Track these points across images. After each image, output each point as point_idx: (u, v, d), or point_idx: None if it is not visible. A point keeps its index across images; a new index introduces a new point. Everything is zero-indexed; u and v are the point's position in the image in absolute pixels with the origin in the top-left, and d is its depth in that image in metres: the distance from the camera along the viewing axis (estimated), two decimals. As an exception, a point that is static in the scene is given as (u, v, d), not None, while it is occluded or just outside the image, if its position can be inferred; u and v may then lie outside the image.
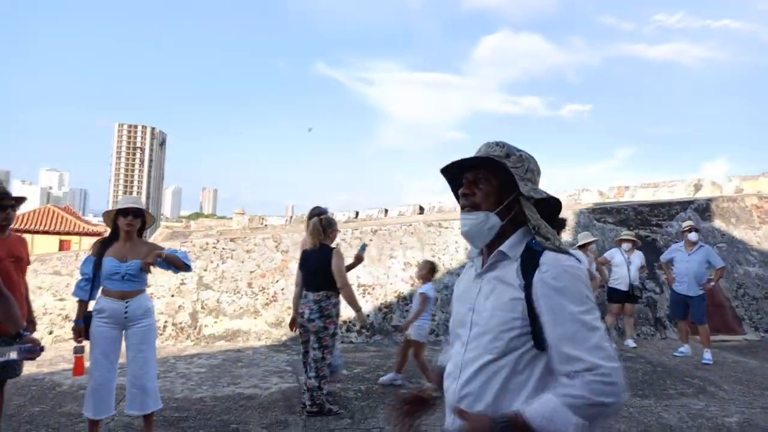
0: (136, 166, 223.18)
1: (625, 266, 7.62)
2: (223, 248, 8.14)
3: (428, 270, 5.35)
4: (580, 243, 7.19)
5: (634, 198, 12.10)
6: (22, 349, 2.40)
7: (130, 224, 3.65)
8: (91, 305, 3.68)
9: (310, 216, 4.79)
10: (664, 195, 11.93)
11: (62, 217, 35.18)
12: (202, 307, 7.73)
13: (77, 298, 3.69)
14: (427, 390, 1.66)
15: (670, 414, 4.67)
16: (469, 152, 1.52)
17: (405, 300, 8.11)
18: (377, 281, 8.18)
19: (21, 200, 3.57)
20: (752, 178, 12.66)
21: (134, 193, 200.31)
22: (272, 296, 7.95)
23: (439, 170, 1.58)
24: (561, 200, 1.54)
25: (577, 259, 1.37)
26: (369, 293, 8.09)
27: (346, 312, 4.78)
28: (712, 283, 7.11)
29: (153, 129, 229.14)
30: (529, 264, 1.36)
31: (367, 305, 7.98)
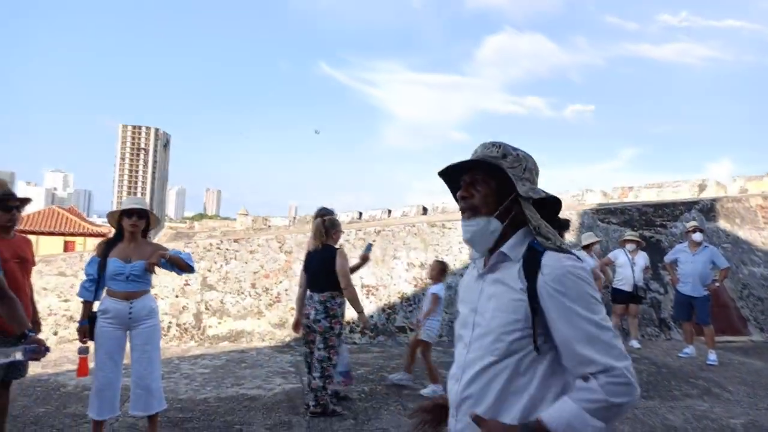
0: (140, 167, 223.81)
1: (629, 267, 7.60)
2: (227, 249, 8.16)
3: (439, 270, 5.32)
4: (584, 243, 7.19)
5: (638, 198, 12.06)
6: (27, 350, 2.41)
7: (134, 225, 3.66)
8: (96, 306, 3.69)
9: (316, 217, 4.80)
10: (668, 195, 11.89)
11: (66, 218, 35.32)
12: (206, 308, 7.74)
13: (82, 299, 3.70)
14: (442, 398, 1.65)
15: (674, 415, 4.65)
16: (472, 153, 1.52)
17: (408, 301, 8.11)
18: (381, 282, 8.18)
19: (26, 201, 3.57)
20: (757, 178, 12.61)
21: (138, 194, 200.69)
22: (276, 297, 7.96)
23: (437, 173, 1.58)
24: (562, 200, 1.53)
25: (578, 258, 1.37)
26: (372, 294, 8.09)
27: (349, 313, 4.78)
28: (717, 284, 7.08)
29: (157, 130, 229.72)
30: (530, 265, 1.35)
31: (371, 306, 7.98)
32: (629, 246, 7.73)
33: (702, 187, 12.33)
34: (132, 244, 3.68)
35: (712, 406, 4.94)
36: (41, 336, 3.03)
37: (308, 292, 4.61)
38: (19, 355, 2.42)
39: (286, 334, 7.65)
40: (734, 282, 9.10)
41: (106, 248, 3.70)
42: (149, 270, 3.65)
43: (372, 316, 7.91)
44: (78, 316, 3.83)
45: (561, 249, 1.37)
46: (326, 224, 4.59)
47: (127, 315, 3.58)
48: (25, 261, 3.53)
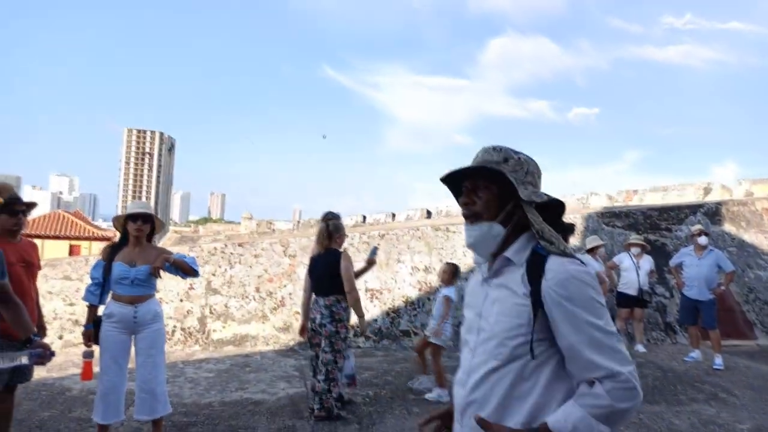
0: (145, 171, 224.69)
1: (634, 271, 7.57)
2: (231, 253, 8.17)
3: (450, 273, 5.28)
4: (589, 247, 7.17)
5: (643, 202, 12.02)
6: (32, 355, 2.42)
7: (139, 229, 3.68)
8: (101, 310, 3.70)
9: (322, 221, 4.80)
10: (673, 198, 11.84)
11: (72, 222, 35.47)
12: (211, 312, 7.75)
13: (87, 303, 3.72)
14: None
15: (680, 420, 4.62)
16: (473, 157, 1.52)
17: (413, 305, 8.10)
18: (385, 286, 8.18)
19: (32, 205, 3.59)
20: (762, 181, 12.54)
21: (143, 198, 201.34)
22: (280, 301, 7.96)
23: (439, 179, 1.58)
24: (566, 203, 1.53)
25: (582, 262, 1.36)
26: (377, 298, 8.09)
27: (354, 317, 4.78)
28: (723, 288, 7.04)
29: (162, 134, 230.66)
30: (534, 270, 1.35)
31: (375, 310, 7.97)
32: (634, 250, 7.70)
33: (707, 191, 12.27)
34: (137, 249, 3.70)
35: (719, 411, 4.91)
36: (46, 340, 3.04)
37: (313, 296, 4.61)
38: (24, 360, 2.44)
39: (291, 338, 7.65)
40: (740, 286, 9.05)
41: (111, 252, 3.72)
42: (154, 274, 3.66)
43: (376, 320, 7.91)
44: (83, 320, 3.85)
45: (565, 253, 1.36)
46: (330, 228, 4.59)
47: (132, 319, 3.59)
48: (31, 265, 3.54)
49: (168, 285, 7.47)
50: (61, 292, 7.55)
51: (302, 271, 7.24)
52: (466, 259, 8.52)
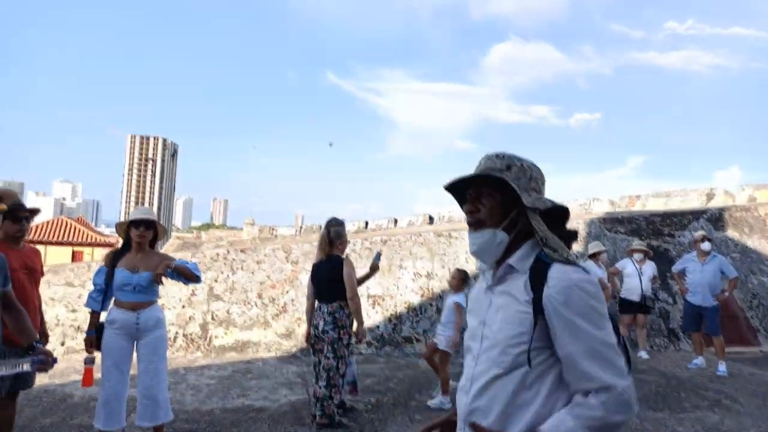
0: (148, 177, 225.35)
1: (636, 276, 7.56)
2: (234, 259, 8.18)
3: (460, 279, 5.22)
4: (590, 252, 7.15)
5: (646, 207, 12.00)
6: (34, 362, 2.42)
7: (141, 235, 3.69)
8: (104, 316, 3.71)
9: (325, 227, 4.81)
10: (676, 204, 11.83)
11: (75, 228, 35.54)
12: (213, 318, 7.75)
13: (89, 309, 3.72)
14: (456, 414, 1.63)
15: (684, 428, 4.60)
16: (476, 165, 1.52)
17: (415, 311, 8.08)
18: (387, 292, 8.17)
19: (35, 212, 3.60)
20: (765, 186, 12.52)
21: (146, 204, 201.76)
22: (282, 307, 7.96)
23: (443, 187, 1.58)
24: (569, 208, 1.52)
25: (585, 271, 1.35)
26: (379, 304, 8.08)
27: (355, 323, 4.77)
28: (726, 294, 7.01)
29: (165, 140, 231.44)
30: (537, 277, 1.34)
31: (377, 316, 7.96)
32: (637, 255, 7.69)
33: (710, 196, 12.26)
34: (139, 255, 3.71)
35: (723, 418, 4.88)
36: (48, 347, 3.04)
37: (316, 303, 4.61)
38: (26, 367, 2.43)
39: (293, 345, 7.64)
40: (743, 292, 9.02)
41: (113, 258, 3.73)
42: (156, 280, 3.67)
43: (378, 327, 7.89)
44: (85, 327, 3.85)
45: (569, 261, 1.36)
46: (331, 235, 4.60)
47: (134, 325, 3.59)
48: (34, 271, 3.55)
49: (170, 291, 7.48)
50: (64, 298, 7.56)
51: (305, 278, 7.23)
52: (468, 266, 8.50)
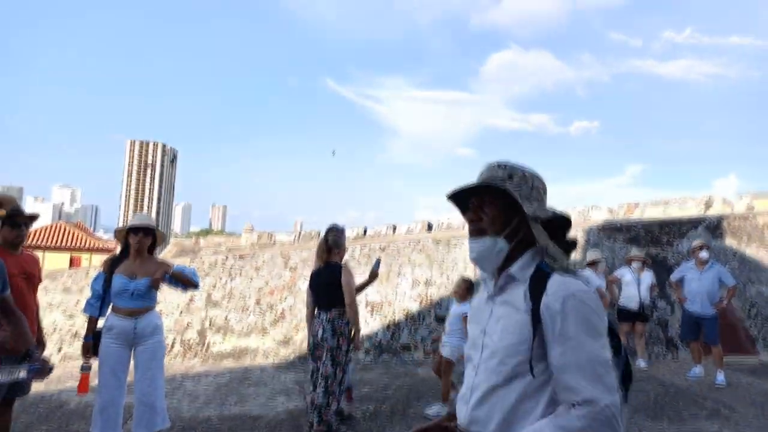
0: (147, 183, 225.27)
1: (635, 285, 7.55)
2: (232, 265, 8.16)
3: (465, 288, 5.14)
4: (589, 261, 7.15)
5: (644, 215, 12.03)
6: (31, 369, 2.41)
7: (140, 242, 3.69)
8: (101, 322, 3.70)
9: (325, 234, 4.80)
10: (674, 212, 11.85)
11: (73, 234, 35.46)
12: (211, 325, 7.73)
13: (87, 315, 3.71)
14: (448, 419, 1.62)
15: (683, 437, 4.58)
16: (478, 169, 1.53)
17: (413, 319, 8.07)
18: (385, 299, 8.15)
19: (34, 218, 3.60)
20: (764, 195, 12.55)
21: (145, 210, 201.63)
22: (280, 314, 7.94)
23: (446, 196, 1.58)
24: (570, 216, 1.52)
25: (585, 281, 1.35)
26: (377, 311, 8.06)
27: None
28: (725, 303, 7.01)
29: (164, 145, 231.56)
30: (536, 287, 1.34)
31: (375, 323, 7.94)
32: (635, 264, 7.68)
33: (708, 204, 12.28)
34: (137, 261, 3.70)
35: (721, 428, 4.86)
36: (45, 353, 3.03)
37: (316, 310, 4.60)
38: (22, 374, 2.43)
39: (290, 352, 7.62)
40: (742, 301, 9.01)
41: (112, 265, 3.72)
42: (154, 286, 3.66)
43: (376, 334, 7.87)
44: (83, 333, 3.84)
45: (569, 271, 1.36)
46: (329, 243, 4.59)
47: (131, 332, 3.58)
48: (32, 277, 3.54)
49: (168, 297, 7.46)
50: (61, 304, 7.54)
51: (303, 284, 7.22)
52: (466, 273, 8.51)
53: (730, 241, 9.92)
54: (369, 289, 7.07)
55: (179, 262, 6.49)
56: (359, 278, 5.11)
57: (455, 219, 13.27)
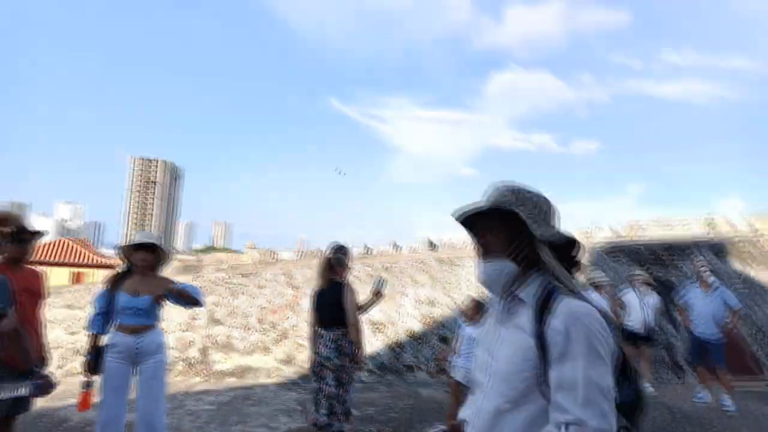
0: (149, 200, 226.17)
1: (640, 307, 7.50)
2: (235, 284, 8.15)
3: (475, 309, 5.01)
4: (594, 282, 7.12)
5: (648, 235, 12.00)
6: (33, 386, 2.40)
7: (144, 259, 3.69)
8: (104, 339, 3.68)
9: (328, 253, 4.79)
10: (677, 232, 11.82)
11: (76, 250, 35.54)
12: (213, 343, 7.69)
13: (90, 332, 3.70)
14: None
15: (691, 462, 4.51)
16: (481, 189, 1.54)
17: (417, 339, 8.01)
18: (389, 319, 8.11)
19: (39, 234, 3.61)
20: (767, 217, 12.53)
21: (147, 227, 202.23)
22: (283, 333, 7.90)
23: (454, 218, 1.58)
24: (576, 238, 1.52)
25: (593, 306, 1.34)
26: (380, 331, 8.02)
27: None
28: (731, 325, 6.95)
29: (167, 162, 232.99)
30: (543, 309, 1.34)
31: (378, 343, 7.89)
32: (639, 285, 7.64)
33: (712, 225, 12.26)
34: (141, 278, 3.70)
35: (730, 453, 4.79)
36: (47, 370, 3.01)
37: (319, 330, 4.57)
38: (24, 391, 2.42)
39: (293, 371, 7.56)
40: (748, 325, 8.94)
41: (115, 281, 3.72)
42: (157, 302, 3.65)
43: (380, 354, 7.82)
44: (85, 350, 3.82)
45: (576, 294, 1.35)
46: (332, 262, 4.59)
47: (134, 349, 3.57)
48: (35, 294, 3.54)
49: (170, 315, 7.44)
50: (64, 320, 7.52)
51: (306, 303, 7.19)
52: (472, 293, 8.47)
53: (735, 264, 9.88)
54: (373, 309, 7.04)
55: (182, 280, 6.48)
56: (361, 297, 5.09)
57: (458, 238, 13.27)
